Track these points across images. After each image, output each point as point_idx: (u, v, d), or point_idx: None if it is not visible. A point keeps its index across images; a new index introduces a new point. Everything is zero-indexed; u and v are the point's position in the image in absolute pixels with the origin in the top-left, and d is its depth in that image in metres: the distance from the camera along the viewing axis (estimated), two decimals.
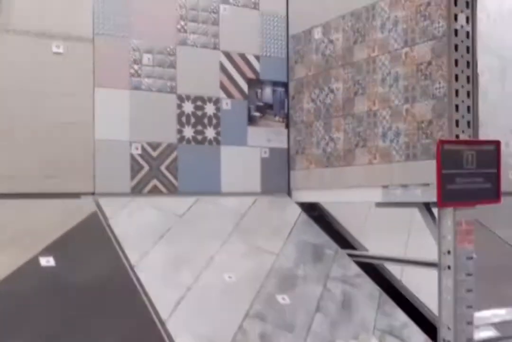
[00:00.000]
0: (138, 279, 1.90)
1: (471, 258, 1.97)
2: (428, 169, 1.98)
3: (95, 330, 1.65)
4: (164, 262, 2.02)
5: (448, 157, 1.92)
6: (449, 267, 1.94)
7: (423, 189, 2.06)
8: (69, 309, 1.69)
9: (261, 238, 2.33)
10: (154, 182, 2.39)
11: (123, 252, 2.01)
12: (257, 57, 2.64)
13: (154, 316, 1.76)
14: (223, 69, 2.55)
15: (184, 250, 2.12)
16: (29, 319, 1.61)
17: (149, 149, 2.38)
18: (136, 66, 2.35)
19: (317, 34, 2.55)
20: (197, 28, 2.49)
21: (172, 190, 2.43)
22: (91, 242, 2.02)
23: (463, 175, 1.95)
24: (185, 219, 2.31)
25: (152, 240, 2.11)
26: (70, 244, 1.96)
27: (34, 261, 1.83)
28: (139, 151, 2.36)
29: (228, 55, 2.56)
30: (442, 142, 1.91)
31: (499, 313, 2.38)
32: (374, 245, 2.57)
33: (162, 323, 1.74)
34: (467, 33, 1.98)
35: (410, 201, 2.12)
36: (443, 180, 1.91)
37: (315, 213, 2.71)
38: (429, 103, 2.04)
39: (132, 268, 1.95)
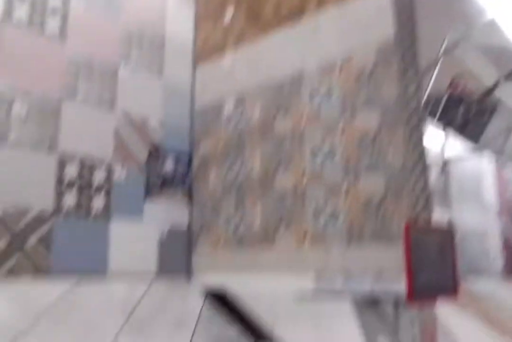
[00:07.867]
0: None
1: None
2: None
3: None
4: None
5: None
6: None
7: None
8: None
9: (159, 338, 1.31)
10: (15, 259, 1.32)
11: None
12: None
13: None
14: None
15: None
16: None
17: (12, 216, 1.32)
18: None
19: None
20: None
21: (44, 270, 1.36)
22: None
23: None
24: (54, 313, 1.24)
25: None
26: None
27: None
28: None
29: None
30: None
31: None
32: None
33: None
34: None
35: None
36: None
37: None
38: None
39: None
